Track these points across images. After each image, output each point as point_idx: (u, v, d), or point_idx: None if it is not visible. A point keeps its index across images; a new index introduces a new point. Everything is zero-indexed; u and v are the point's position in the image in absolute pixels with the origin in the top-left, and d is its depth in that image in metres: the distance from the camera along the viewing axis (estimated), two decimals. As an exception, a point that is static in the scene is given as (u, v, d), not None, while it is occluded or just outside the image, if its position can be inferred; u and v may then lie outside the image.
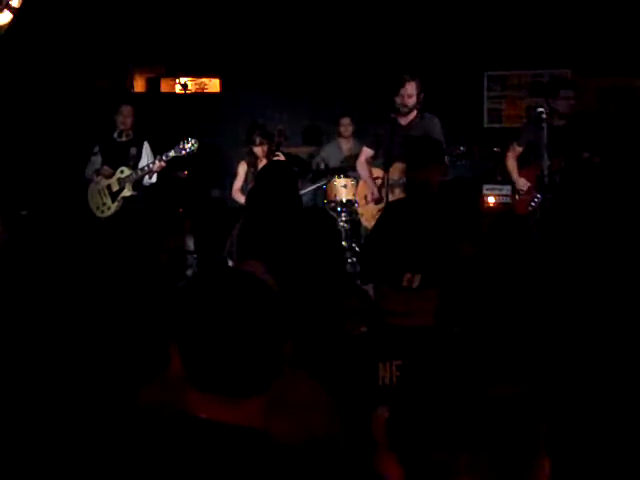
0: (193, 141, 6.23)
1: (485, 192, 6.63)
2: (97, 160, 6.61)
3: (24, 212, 6.81)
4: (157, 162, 6.31)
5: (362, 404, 1.88)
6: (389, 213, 4.06)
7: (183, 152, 6.25)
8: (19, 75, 7.32)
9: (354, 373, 2.09)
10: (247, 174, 6.58)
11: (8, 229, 5.83)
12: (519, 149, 5.92)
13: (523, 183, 5.88)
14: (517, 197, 6.03)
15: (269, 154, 6.49)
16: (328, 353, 2.23)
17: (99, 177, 6.52)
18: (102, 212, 6.50)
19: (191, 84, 8.37)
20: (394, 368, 2.04)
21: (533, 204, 5.71)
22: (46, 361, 3.90)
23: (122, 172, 6.46)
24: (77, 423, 2.97)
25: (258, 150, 6.47)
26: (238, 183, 6.66)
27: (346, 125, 7.53)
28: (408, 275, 2.11)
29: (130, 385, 2.02)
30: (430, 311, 2.13)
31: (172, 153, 6.27)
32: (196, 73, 8.70)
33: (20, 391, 3.45)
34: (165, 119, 7.90)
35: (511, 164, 5.98)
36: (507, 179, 6.36)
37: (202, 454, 1.20)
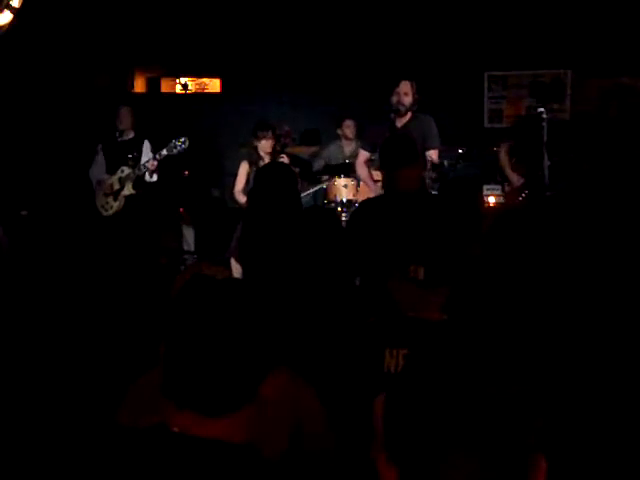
0: (183, 139, 6.29)
1: (485, 192, 6.63)
2: (101, 159, 6.70)
3: (24, 212, 6.82)
4: (151, 160, 6.38)
5: (366, 390, 1.88)
6: (367, 211, 3.96)
7: (174, 150, 6.31)
8: (19, 75, 7.32)
9: (360, 358, 2.11)
10: (249, 174, 6.33)
11: (8, 230, 5.82)
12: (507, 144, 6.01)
13: (517, 179, 5.91)
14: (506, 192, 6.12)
15: (274, 154, 6.35)
16: (332, 342, 2.26)
17: (100, 186, 6.62)
18: (105, 210, 6.62)
19: (191, 84, 8.37)
20: (401, 356, 2.05)
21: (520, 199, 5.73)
22: (47, 359, 3.90)
23: (122, 171, 6.55)
24: (66, 426, 2.97)
25: (264, 146, 6.30)
26: (239, 184, 6.42)
27: (349, 127, 7.44)
28: (412, 267, 2.15)
29: (124, 385, 2.02)
30: (441, 307, 2.18)
31: (165, 152, 6.32)
32: (196, 73, 8.70)
33: (19, 391, 3.45)
34: (165, 119, 7.90)
35: (503, 159, 6.06)
36: (499, 178, 6.44)
37: (178, 469, 1.18)
